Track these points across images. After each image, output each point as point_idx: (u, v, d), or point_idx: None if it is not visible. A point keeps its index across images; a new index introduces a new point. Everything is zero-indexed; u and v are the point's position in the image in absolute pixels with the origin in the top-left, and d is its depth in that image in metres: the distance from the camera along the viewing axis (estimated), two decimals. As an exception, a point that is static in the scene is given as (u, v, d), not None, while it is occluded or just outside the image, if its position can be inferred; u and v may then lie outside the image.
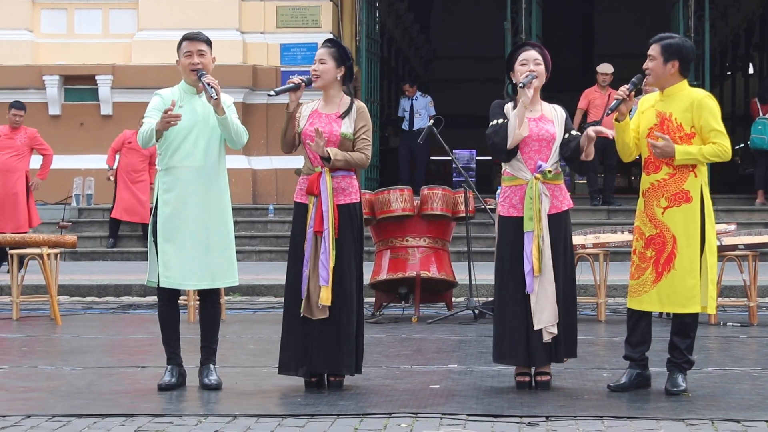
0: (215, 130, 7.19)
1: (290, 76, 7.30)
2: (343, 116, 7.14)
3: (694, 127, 6.95)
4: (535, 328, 6.99)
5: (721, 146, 6.92)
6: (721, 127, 6.98)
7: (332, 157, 7.03)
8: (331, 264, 7.02)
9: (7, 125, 14.88)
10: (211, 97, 7.00)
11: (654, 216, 6.98)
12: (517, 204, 7.11)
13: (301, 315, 7.03)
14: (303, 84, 7.13)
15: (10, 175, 14.72)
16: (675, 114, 6.96)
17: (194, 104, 7.21)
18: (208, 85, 7.02)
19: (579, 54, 35.80)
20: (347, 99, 7.22)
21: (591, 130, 6.97)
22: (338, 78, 7.18)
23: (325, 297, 7.00)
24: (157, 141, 7.06)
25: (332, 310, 7.04)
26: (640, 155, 7.16)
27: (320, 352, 7.04)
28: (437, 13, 35.50)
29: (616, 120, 7.01)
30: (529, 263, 6.99)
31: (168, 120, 6.93)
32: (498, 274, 7.18)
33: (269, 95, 7.44)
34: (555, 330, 7.00)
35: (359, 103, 7.26)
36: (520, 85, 6.98)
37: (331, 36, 19.06)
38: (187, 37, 7.25)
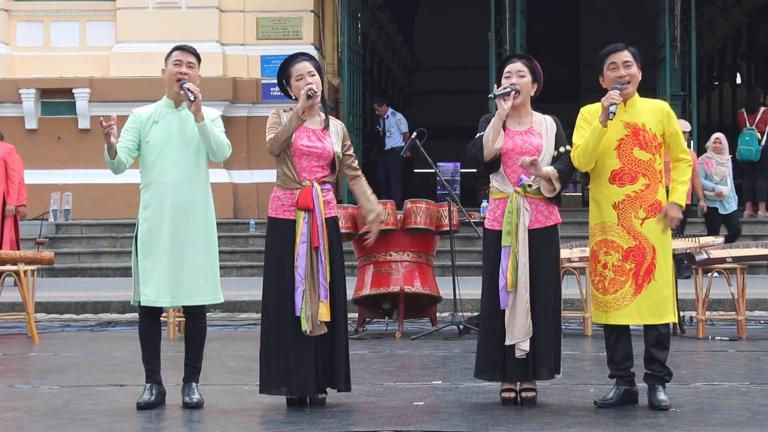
0: (191, 144, 7.13)
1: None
2: (324, 130, 7.06)
3: (664, 135, 6.97)
4: (507, 343, 6.90)
5: (688, 163, 7.00)
6: (684, 143, 7.09)
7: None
8: (328, 278, 6.93)
9: None
10: (190, 100, 6.95)
11: (632, 227, 6.93)
12: (499, 217, 7.02)
13: (308, 333, 6.86)
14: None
15: None
16: (648, 124, 6.94)
17: (170, 119, 7.14)
18: (188, 90, 6.96)
19: (565, 64, 35.92)
20: (321, 113, 7.14)
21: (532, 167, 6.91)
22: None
23: (325, 312, 6.89)
24: (112, 158, 6.97)
25: (328, 326, 6.94)
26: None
27: (317, 369, 6.92)
28: (420, 23, 35.57)
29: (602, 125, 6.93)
30: (504, 278, 6.90)
31: (106, 132, 6.85)
32: (482, 288, 7.09)
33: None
34: (526, 346, 6.88)
35: (338, 120, 7.25)
36: (491, 95, 6.89)
37: (312, 47, 19.04)
38: (179, 47, 7.21)
